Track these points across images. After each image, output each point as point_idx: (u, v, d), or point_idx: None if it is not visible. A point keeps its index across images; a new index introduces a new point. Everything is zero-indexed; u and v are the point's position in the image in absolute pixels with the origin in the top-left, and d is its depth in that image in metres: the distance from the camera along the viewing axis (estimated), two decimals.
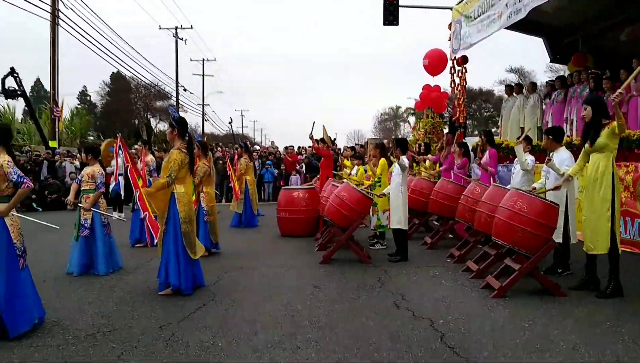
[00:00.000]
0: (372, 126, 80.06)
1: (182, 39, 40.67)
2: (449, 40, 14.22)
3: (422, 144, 13.52)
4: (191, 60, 49.45)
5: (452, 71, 14.62)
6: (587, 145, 5.65)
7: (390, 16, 16.01)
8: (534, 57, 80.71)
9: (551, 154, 6.51)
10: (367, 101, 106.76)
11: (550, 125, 11.79)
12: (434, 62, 16.09)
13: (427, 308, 5.25)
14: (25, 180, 4.77)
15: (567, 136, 10.24)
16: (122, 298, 5.95)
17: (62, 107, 24.94)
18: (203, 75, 49.78)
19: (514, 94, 13.65)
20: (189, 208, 6.17)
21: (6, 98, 22.30)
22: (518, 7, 10.06)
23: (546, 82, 13.85)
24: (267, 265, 7.63)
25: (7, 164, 4.74)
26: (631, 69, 8.84)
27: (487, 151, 8.43)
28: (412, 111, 69.49)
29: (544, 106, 12.40)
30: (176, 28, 40.79)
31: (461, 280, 6.39)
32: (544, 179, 6.57)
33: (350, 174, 9.94)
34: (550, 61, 14.47)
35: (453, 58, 14.49)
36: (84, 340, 4.56)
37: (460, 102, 14.11)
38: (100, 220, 7.40)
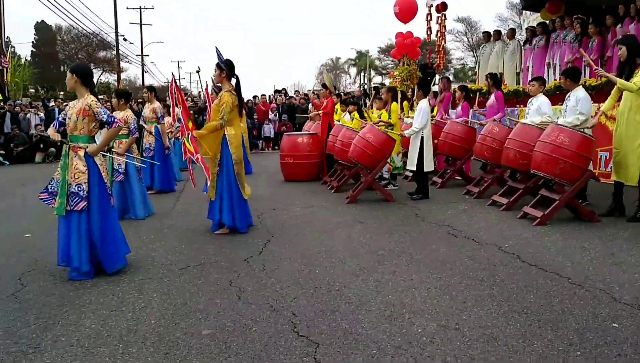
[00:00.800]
0: (313, 78, 79.51)
1: None
2: None
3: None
4: (127, 8, 47.00)
5: (429, 18, 14.90)
6: (618, 83, 6.10)
7: None
8: (480, 7, 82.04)
9: (569, 94, 6.95)
10: (307, 51, 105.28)
11: (531, 70, 12.42)
12: (405, 10, 16.26)
13: (484, 236, 5.66)
14: (115, 119, 4.76)
15: (555, 80, 10.88)
16: (180, 237, 6.04)
17: (9, 57, 23.47)
18: (141, 24, 47.56)
19: (491, 40, 14.09)
20: (240, 149, 6.25)
21: None
22: None
23: (526, 28, 14.33)
24: (294, 205, 7.84)
25: (96, 104, 4.70)
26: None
27: (493, 94, 8.84)
28: (353, 62, 69.42)
29: (523, 52, 12.92)
30: None
31: (494, 213, 6.85)
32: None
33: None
34: (522, 8, 14.96)
35: (430, 5, 14.75)
36: (180, 273, 4.68)
37: (440, 48, 14.46)
38: (133, 165, 7.34)
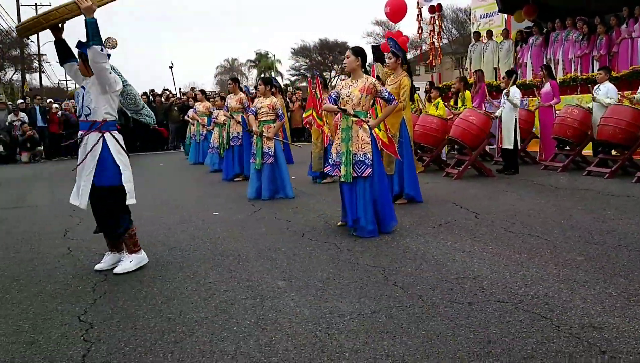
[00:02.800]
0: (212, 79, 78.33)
1: None
2: None
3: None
4: (22, 5, 43.53)
5: (420, 18, 16.23)
6: None
7: None
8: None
9: (599, 86, 8.57)
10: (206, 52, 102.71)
11: (529, 66, 14.11)
12: (395, 10, 17.48)
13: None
14: (393, 97, 5.36)
15: (569, 74, 12.59)
16: None
17: None
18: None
19: (480, 40, 15.65)
20: (412, 131, 6.99)
21: None
22: None
23: (518, 31, 15.83)
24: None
25: (379, 83, 5.30)
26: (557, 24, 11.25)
27: (548, 83, 10.21)
28: (253, 63, 69.31)
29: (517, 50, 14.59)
30: None
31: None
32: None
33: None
34: (499, 11, 16.68)
35: (420, 7, 16.10)
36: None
37: (437, 45, 15.80)
38: (280, 148, 7.73)
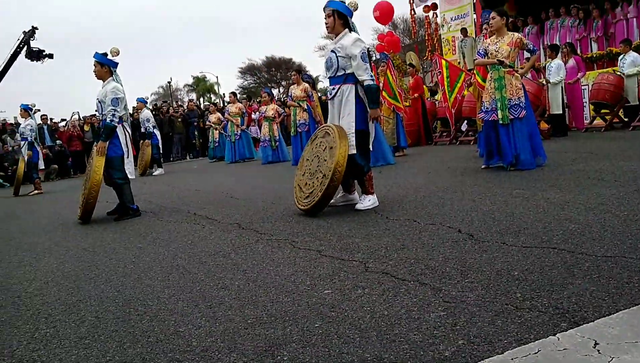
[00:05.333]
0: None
1: None
2: None
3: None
4: None
5: (413, 16, 17.35)
6: None
7: None
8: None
9: (623, 56, 9.79)
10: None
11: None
12: (384, 13, 18.51)
13: None
14: (537, 49, 6.12)
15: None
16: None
17: None
18: None
19: (468, 35, 16.88)
20: None
21: (32, 60, 18.40)
22: None
23: (511, 22, 17.25)
24: None
25: (525, 37, 6.05)
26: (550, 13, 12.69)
27: (572, 58, 11.35)
28: (190, 87, 68.51)
29: None
30: None
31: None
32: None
33: None
34: (482, 8, 18.00)
35: (413, 8, 17.22)
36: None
37: (435, 39, 16.89)
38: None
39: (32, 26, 19.65)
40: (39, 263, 4.04)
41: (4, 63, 19.68)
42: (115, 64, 5.80)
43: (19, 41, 19.44)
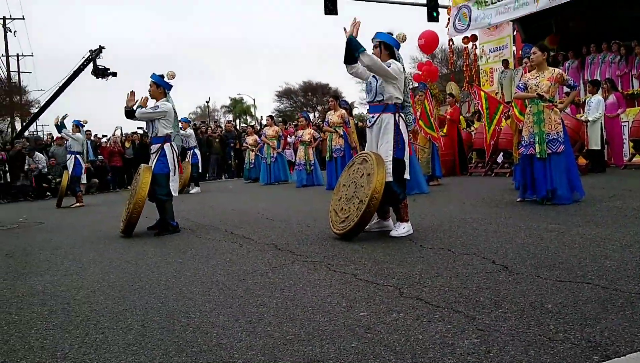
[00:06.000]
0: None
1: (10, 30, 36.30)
2: (447, 23, 17.06)
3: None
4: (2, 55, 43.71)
5: (451, 46, 17.49)
6: None
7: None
8: None
9: None
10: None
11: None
12: (428, 42, 18.68)
13: None
14: (577, 85, 6.15)
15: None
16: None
17: None
18: (18, 71, 44.22)
19: (509, 66, 16.89)
20: None
21: (97, 77, 19.50)
22: None
23: (552, 56, 17.21)
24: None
25: (565, 73, 6.08)
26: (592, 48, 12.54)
27: (612, 95, 11.26)
28: (227, 108, 69.57)
29: None
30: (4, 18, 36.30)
31: None
32: None
33: None
34: (522, 41, 18.04)
35: (451, 38, 17.36)
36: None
37: (473, 70, 16.95)
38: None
39: (100, 45, 20.50)
40: (85, 273, 4.24)
41: (66, 79, 20.46)
42: (170, 87, 6.06)
43: (83, 59, 20.17)
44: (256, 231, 5.63)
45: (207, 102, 53.96)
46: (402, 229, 4.78)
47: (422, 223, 5.33)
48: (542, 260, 3.43)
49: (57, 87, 20.69)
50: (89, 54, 19.89)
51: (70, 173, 10.93)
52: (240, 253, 4.52)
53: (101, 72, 20.59)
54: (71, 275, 4.20)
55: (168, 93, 6.05)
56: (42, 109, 22.10)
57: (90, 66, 20.47)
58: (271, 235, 5.30)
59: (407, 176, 4.82)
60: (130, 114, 6.05)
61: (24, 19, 39.16)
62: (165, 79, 6.05)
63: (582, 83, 14.60)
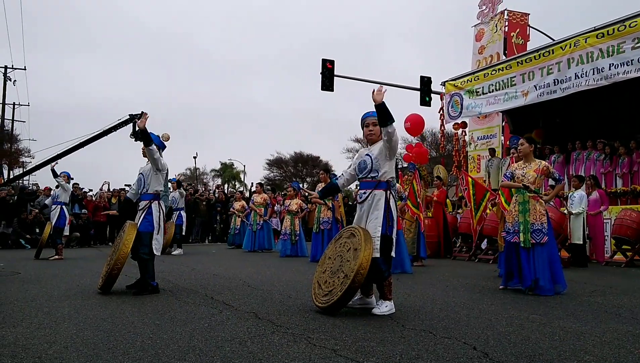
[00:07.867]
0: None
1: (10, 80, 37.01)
2: (440, 109, 17.66)
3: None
4: None
5: (442, 131, 18.04)
6: None
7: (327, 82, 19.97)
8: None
9: None
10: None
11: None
12: (414, 126, 19.24)
13: None
14: (562, 177, 6.34)
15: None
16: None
17: None
18: (12, 120, 44.53)
19: (495, 155, 17.37)
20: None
21: (135, 141, 19.57)
22: (553, 89, 13.79)
23: (538, 149, 17.67)
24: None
25: (550, 166, 6.29)
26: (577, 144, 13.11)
27: (595, 191, 11.55)
28: (217, 172, 69.64)
29: None
30: (5, 67, 37.08)
31: None
32: None
33: None
34: (510, 132, 18.60)
35: (443, 123, 17.92)
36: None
37: (462, 155, 17.37)
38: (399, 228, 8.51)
39: (142, 111, 20.53)
40: (59, 327, 4.13)
41: (93, 135, 20.15)
42: (164, 147, 6.18)
43: (119, 121, 20.03)
44: (237, 298, 5.57)
45: (195, 160, 53.45)
46: (384, 307, 4.76)
47: (405, 302, 5.31)
48: (522, 349, 3.43)
49: (78, 142, 20.13)
50: (128, 117, 19.82)
51: (53, 223, 10.82)
52: (219, 319, 4.45)
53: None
54: (44, 328, 4.10)
55: (161, 153, 6.15)
56: (58, 157, 21.44)
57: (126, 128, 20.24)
58: (252, 303, 5.24)
59: (393, 254, 4.85)
60: (144, 134, 5.87)
61: (25, 69, 40.14)
62: (160, 139, 6.17)
63: (566, 178, 14.99)
